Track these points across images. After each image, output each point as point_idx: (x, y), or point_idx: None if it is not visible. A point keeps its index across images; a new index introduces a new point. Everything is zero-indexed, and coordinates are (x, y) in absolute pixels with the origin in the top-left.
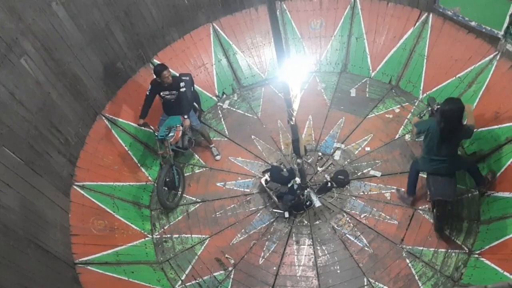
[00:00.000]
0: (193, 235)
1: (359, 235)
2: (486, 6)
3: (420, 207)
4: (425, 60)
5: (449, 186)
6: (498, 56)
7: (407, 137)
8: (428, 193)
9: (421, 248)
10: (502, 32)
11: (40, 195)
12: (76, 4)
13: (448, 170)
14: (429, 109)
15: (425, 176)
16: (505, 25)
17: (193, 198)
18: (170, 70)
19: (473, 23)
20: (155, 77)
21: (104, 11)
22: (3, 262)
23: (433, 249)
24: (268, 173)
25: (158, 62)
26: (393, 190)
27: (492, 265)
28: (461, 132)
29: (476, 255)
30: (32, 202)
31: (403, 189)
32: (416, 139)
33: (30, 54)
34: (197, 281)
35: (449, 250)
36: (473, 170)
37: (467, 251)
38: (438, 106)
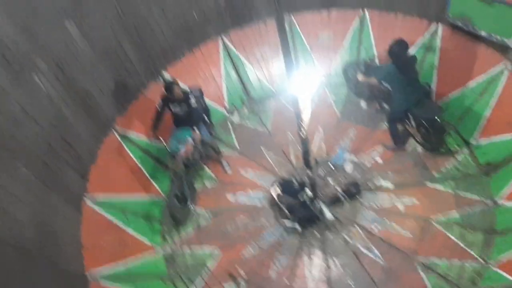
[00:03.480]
0: (204, 249)
1: (372, 247)
2: (496, 16)
3: (432, 217)
4: (435, 71)
5: (433, 104)
6: (510, 66)
7: (419, 149)
8: (411, 124)
9: (435, 260)
10: None
11: (52, 210)
12: (88, 21)
13: (421, 92)
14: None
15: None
16: None
17: (204, 212)
18: (180, 84)
19: (483, 33)
20: (165, 92)
21: (115, 28)
22: (15, 277)
23: (448, 260)
24: (279, 186)
25: (169, 76)
26: (406, 201)
27: (509, 277)
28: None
29: (492, 267)
30: (44, 217)
31: (388, 144)
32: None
33: (43, 71)
34: None
35: (464, 262)
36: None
37: (483, 263)
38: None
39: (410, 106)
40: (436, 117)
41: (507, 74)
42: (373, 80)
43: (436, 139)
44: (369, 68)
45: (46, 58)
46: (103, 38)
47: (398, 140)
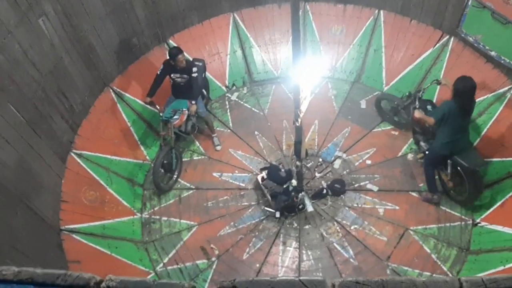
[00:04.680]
0: (182, 221)
1: (347, 246)
2: (508, 38)
3: (411, 226)
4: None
5: (477, 155)
6: None
7: (410, 156)
8: (446, 171)
9: (406, 268)
10: None
11: (37, 156)
12: None
13: (468, 142)
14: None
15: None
16: None
17: (188, 184)
18: (184, 53)
19: (493, 53)
20: (168, 58)
21: None
22: None
23: (418, 271)
24: (266, 171)
25: (174, 44)
26: (387, 206)
27: None
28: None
29: None
30: (28, 162)
31: (424, 192)
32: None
33: (49, 16)
34: (178, 266)
35: (434, 275)
36: None
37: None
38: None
39: (452, 153)
40: (477, 169)
41: (509, 97)
42: (430, 121)
43: (470, 193)
44: (422, 102)
45: (54, 4)
46: None
47: (433, 186)
